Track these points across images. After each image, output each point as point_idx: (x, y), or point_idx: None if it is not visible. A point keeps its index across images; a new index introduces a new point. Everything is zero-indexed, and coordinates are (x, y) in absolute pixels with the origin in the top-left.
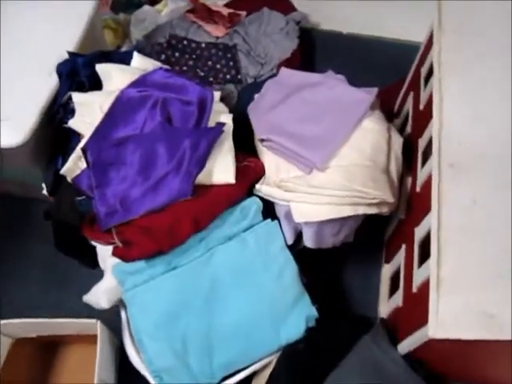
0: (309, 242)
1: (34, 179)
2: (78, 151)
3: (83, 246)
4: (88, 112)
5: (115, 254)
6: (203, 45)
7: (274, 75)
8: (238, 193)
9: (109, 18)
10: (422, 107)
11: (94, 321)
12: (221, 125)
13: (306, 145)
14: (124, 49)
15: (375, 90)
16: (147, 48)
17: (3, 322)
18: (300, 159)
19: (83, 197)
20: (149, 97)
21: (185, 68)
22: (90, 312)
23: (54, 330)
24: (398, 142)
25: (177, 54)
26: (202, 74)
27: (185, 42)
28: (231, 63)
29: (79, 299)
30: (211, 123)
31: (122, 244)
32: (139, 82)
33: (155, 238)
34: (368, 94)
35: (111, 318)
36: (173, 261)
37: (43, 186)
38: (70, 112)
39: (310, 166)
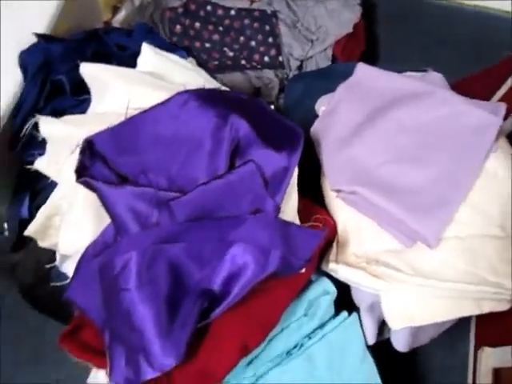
0: (401, 345)
1: None
2: (52, 201)
3: (59, 307)
4: (65, 150)
5: None
6: (233, 12)
7: (343, 68)
8: (304, 280)
9: None
10: None
11: None
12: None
13: (410, 205)
14: (123, 13)
15: (502, 107)
16: (155, 14)
17: None
18: (400, 226)
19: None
20: None
21: (208, 45)
22: None
23: None
24: None
25: (197, 25)
26: (231, 53)
27: (208, 8)
28: (270, 39)
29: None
30: None
31: None
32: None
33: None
34: (493, 115)
35: None
36: None
37: (5, 226)
38: (39, 142)
39: (416, 238)
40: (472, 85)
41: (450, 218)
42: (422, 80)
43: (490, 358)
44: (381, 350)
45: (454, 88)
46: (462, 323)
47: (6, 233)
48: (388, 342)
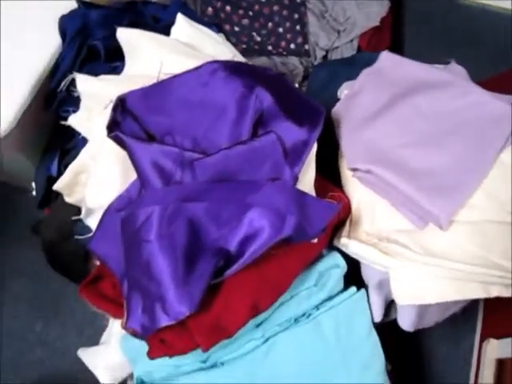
0: (406, 324)
1: (25, 170)
2: (81, 159)
3: (79, 267)
4: (98, 108)
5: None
6: None
7: (368, 58)
8: (317, 251)
9: None
10: None
11: None
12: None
13: (424, 186)
14: None
15: None
16: None
17: None
18: (413, 207)
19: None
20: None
21: (237, 29)
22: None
23: None
24: None
25: (228, 8)
26: (259, 38)
27: None
28: (298, 27)
29: (70, 336)
30: None
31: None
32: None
33: (192, 336)
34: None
35: None
36: (211, 355)
37: (33, 186)
38: (74, 99)
39: (428, 219)
40: (499, 82)
41: (462, 201)
42: (444, 70)
43: (495, 349)
44: (388, 339)
45: (481, 85)
46: (468, 315)
47: (34, 192)
48: (396, 330)
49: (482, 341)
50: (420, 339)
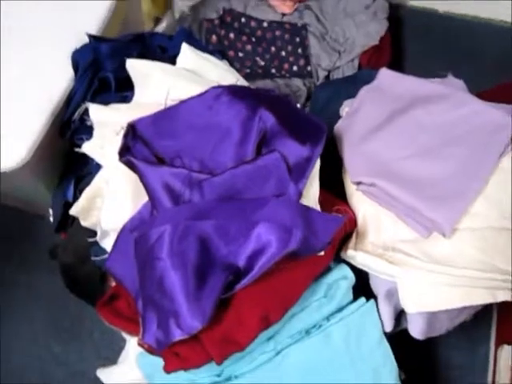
0: (416, 332)
1: (41, 197)
2: (96, 184)
3: (95, 289)
4: (110, 135)
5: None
6: (265, 24)
7: (369, 76)
8: (324, 264)
9: None
10: None
11: None
12: None
13: (427, 196)
14: (164, 24)
15: None
16: (194, 25)
17: None
18: (417, 217)
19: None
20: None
21: (241, 54)
22: None
23: None
24: None
25: (231, 35)
26: (263, 63)
27: (243, 20)
28: (300, 50)
29: (89, 358)
30: None
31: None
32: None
33: (206, 349)
34: (508, 115)
35: None
36: (225, 369)
37: (50, 211)
38: (88, 128)
39: (432, 228)
40: (498, 93)
41: (464, 208)
42: (442, 84)
43: (509, 355)
44: (402, 349)
45: (481, 96)
46: (482, 322)
47: (51, 218)
48: (411, 340)
49: (497, 348)
50: (435, 348)
